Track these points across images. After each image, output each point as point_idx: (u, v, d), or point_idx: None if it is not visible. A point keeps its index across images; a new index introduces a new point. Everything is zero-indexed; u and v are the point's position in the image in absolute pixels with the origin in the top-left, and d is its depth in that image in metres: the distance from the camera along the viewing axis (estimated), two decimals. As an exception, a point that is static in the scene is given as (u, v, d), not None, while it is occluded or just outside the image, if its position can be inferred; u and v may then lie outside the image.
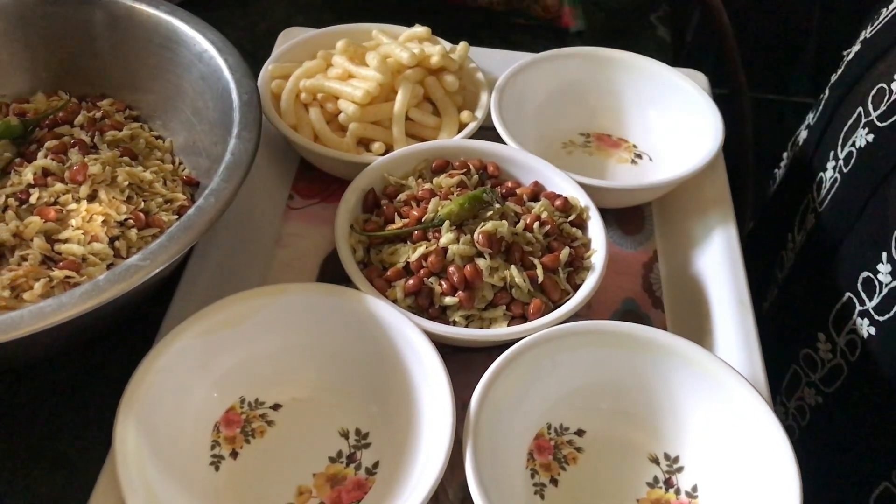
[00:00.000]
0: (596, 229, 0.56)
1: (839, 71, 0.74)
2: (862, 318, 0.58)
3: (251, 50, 0.78)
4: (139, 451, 0.44)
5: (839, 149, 0.66)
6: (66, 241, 0.51)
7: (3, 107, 0.61)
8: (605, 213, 0.61)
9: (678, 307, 0.59)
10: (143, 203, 0.55)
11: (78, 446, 0.50)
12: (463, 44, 0.68)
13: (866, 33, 0.71)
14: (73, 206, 0.52)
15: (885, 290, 0.56)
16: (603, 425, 0.51)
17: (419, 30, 0.68)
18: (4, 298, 0.48)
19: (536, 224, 0.55)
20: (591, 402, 0.51)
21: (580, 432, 0.51)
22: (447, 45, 0.69)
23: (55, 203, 0.52)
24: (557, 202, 0.57)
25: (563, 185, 0.59)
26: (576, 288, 0.54)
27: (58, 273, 0.49)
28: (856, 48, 0.72)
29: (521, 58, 0.70)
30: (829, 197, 0.66)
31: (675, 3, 0.99)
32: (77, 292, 0.42)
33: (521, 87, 0.68)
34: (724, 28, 1.04)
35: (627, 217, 0.65)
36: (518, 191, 0.58)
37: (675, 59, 0.85)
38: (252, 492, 0.47)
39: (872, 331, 0.57)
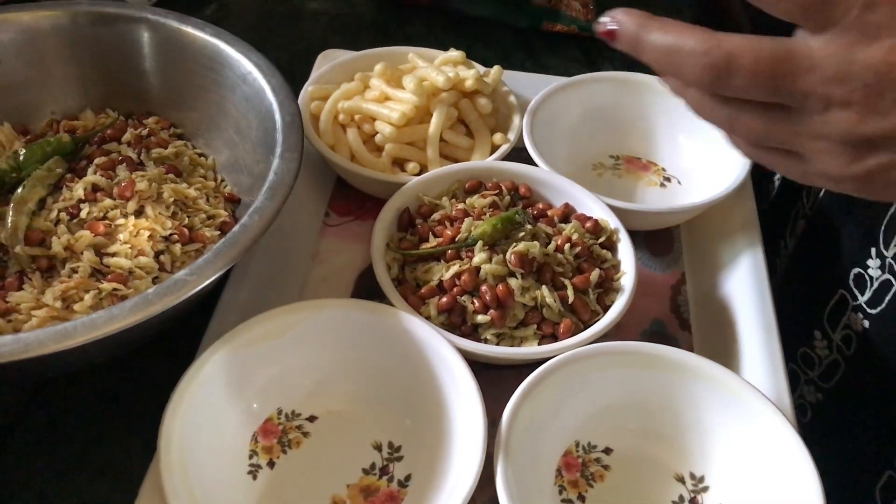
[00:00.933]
0: (625, 251, 0.58)
1: None
2: (856, 313, 0.60)
3: (288, 69, 0.80)
4: (182, 458, 0.46)
5: None
6: (114, 254, 0.53)
7: (54, 123, 0.64)
8: (634, 234, 0.62)
9: (705, 329, 0.60)
10: (186, 219, 0.57)
11: (121, 453, 0.52)
12: (497, 68, 0.70)
13: None
14: (121, 221, 0.54)
15: (875, 284, 0.58)
16: (630, 444, 0.52)
17: (454, 54, 0.70)
18: (56, 309, 0.50)
19: (567, 245, 0.56)
20: (619, 422, 0.52)
21: (608, 450, 0.52)
22: (481, 68, 0.71)
23: (104, 218, 0.55)
24: (588, 224, 0.58)
25: (594, 207, 0.60)
26: (605, 309, 0.55)
27: (106, 285, 0.51)
28: None
29: (553, 81, 0.72)
30: (819, 200, 0.67)
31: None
32: (127, 305, 0.44)
33: (553, 110, 0.69)
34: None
35: (656, 239, 0.66)
36: (549, 212, 0.60)
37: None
38: (288, 501, 0.49)
39: (866, 324, 0.59)
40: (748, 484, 0.49)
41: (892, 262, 0.57)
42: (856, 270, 0.60)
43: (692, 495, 0.51)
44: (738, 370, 0.56)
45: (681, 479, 0.51)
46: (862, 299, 0.59)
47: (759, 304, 0.59)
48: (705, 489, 0.51)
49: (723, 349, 0.58)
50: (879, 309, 0.58)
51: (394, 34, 0.88)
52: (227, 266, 0.47)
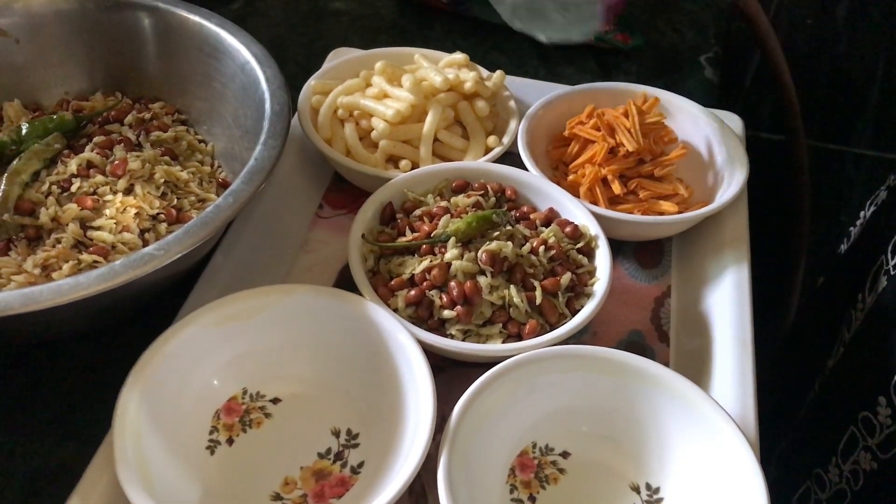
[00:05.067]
0: (602, 258, 0.57)
1: None
2: None
3: (305, 65, 0.82)
4: (137, 426, 0.47)
5: None
6: (98, 228, 0.55)
7: (65, 103, 0.67)
8: (624, 245, 0.62)
9: (683, 342, 0.60)
10: (176, 200, 0.59)
11: (91, 420, 0.53)
12: (499, 72, 0.71)
13: None
14: (109, 197, 0.56)
15: None
16: (588, 450, 0.52)
17: (458, 56, 0.71)
18: (34, 276, 0.52)
19: (542, 248, 0.56)
20: (578, 426, 0.52)
21: (565, 454, 0.52)
22: (485, 72, 0.71)
23: (94, 193, 0.57)
24: (567, 229, 0.58)
25: (577, 213, 0.60)
26: (575, 313, 0.55)
27: (86, 257, 0.53)
28: None
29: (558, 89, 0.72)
30: None
31: (731, 45, 0.99)
32: (94, 274, 0.46)
33: (553, 118, 0.69)
34: (783, 74, 1.04)
35: (646, 251, 0.66)
36: (532, 215, 0.60)
37: (721, 100, 0.85)
38: (242, 478, 0.50)
39: None
40: (702, 500, 0.49)
41: None
42: None
43: (646, 506, 0.50)
44: (709, 383, 0.55)
45: (636, 489, 0.51)
46: None
47: (738, 320, 0.58)
48: (659, 501, 0.50)
49: (697, 362, 0.57)
50: None
51: (413, 37, 0.89)
52: (196, 244, 0.49)
